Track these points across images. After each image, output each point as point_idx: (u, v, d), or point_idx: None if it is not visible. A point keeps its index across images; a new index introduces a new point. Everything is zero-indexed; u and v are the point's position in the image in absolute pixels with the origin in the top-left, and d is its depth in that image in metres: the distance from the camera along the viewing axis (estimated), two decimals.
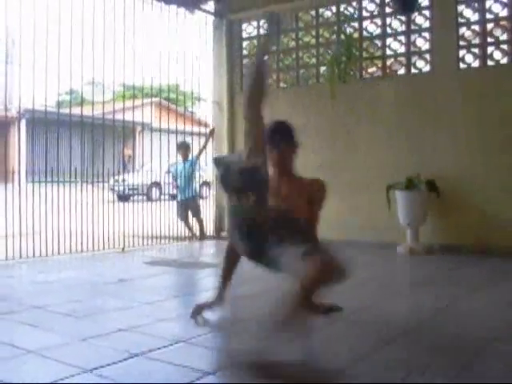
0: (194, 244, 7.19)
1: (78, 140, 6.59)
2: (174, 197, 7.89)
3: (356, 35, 6.87)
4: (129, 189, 12.21)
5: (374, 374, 2.22)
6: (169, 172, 7.94)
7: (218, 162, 2.70)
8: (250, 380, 2.10)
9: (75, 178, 6.44)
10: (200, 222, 7.56)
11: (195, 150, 7.74)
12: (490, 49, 6.04)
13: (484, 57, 6.04)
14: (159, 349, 2.51)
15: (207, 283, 4.34)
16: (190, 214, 7.55)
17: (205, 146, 7.68)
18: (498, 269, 4.98)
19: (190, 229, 7.52)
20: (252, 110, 2.59)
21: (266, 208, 2.56)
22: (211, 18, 7.81)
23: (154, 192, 12.28)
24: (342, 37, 6.89)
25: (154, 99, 11.16)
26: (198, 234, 7.51)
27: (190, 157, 7.65)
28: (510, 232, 5.70)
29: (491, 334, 2.77)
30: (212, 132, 7.76)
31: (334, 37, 7.05)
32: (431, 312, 3.29)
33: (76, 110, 6.61)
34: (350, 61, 6.76)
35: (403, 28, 6.53)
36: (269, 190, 2.69)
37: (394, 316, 2.52)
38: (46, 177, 6.00)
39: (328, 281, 2.35)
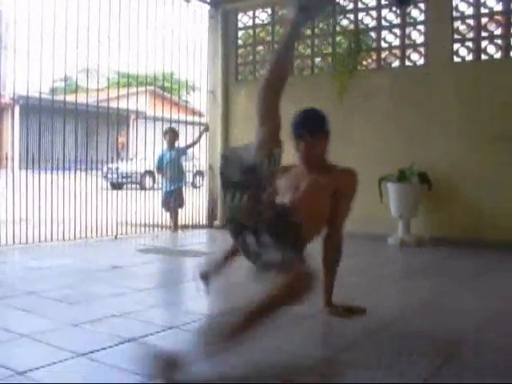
0: (187, 233, 7.21)
1: (72, 127, 6.60)
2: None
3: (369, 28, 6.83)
4: (122, 177, 12.20)
5: (357, 362, 2.26)
6: (158, 167, 7.63)
7: (224, 157, 2.54)
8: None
9: (69, 166, 6.45)
10: (176, 213, 7.37)
11: (188, 140, 7.70)
12: (484, 43, 6.08)
13: (478, 51, 6.07)
14: (151, 334, 2.54)
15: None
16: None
17: (196, 142, 7.62)
18: (487, 261, 5.04)
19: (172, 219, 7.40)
20: (272, 92, 2.53)
21: (258, 209, 2.39)
22: (207, 8, 7.80)
23: (148, 180, 12.30)
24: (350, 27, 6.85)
25: (148, 87, 11.13)
26: (172, 224, 7.34)
27: (176, 144, 7.51)
28: (501, 225, 5.76)
29: (478, 324, 2.83)
30: (206, 129, 7.73)
31: (338, 29, 7.06)
32: (418, 302, 3.33)
33: (70, 97, 6.61)
34: (359, 54, 6.70)
35: (398, 21, 6.56)
36: (286, 183, 2.68)
37: (379, 307, 2.56)
38: (39, 164, 6.00)
39: (293, 304, 2.27)
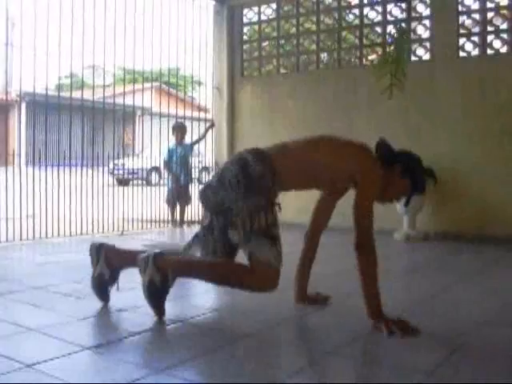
0: (193, 228, 7.24)
1: (79, 124, 6.62)
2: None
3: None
4: (128, 173, 12.24)
5: (360, 355, 2.28)
6: (166, 163, 7.60)
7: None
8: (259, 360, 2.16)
9: (75, 162, 6.48)
10: (183, 209, 7.42)
11: (194, 137, 7.72)
12: (489, 38, 6.07)
13: (484, 45, 6.06)
14: (158, 328, 2.56)
15: None
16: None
17: (202, 138, 7.64)
18: (492, 256, 5.04)
19: (173, 215, 7.41)
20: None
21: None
22: (212, 3, 7.81)
23: (154, 176, 12.34)
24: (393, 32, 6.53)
25: (154, 84, 11.15)
26: (178, 219, 7.37)
27: (185, 140, 7.52)
28: (506, 219, 5.76)
29: (482, 319, 2.83)
30: (211, 126, 7.74)
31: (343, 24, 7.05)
32: (422, 297, 3.35)
33: (76, 94, 6.63)
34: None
35: (404, 15, 6.55)
36: None
37: (383, 301, 2.57)
38: (46, 160, 6.03)
39: (249, 290, 2.60)
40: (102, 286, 2.91)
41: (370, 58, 6.98)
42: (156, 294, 2.61)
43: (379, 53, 6.74)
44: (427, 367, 2.09)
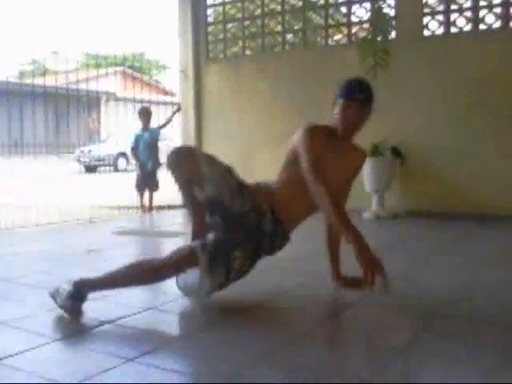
0: (162, 214, 7.19)
1: (42, 111, 6.49)
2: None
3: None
4: (95, 160, 12.08)
5: (333, 337, 2.29)
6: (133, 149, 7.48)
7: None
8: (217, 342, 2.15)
9: (40, 150, 6.36)
10: (151, 195, 7.36)
11: (160, 121, 7.64)
12: (453, 16, 6.11)
13: (448, 24, 6.10)
14: (129, 316, 2.54)
15: None
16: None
17: (168, 122, 7.57)
18: (461, 233, 5.12)
19: (142, 201, 7.35)
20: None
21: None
22: None
23: (121, 162, 12.20)
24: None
25: (118, 68, 10.98)
26: (147, 205, 7.33)
27: (151, 125, 7.43)
28: (473, 196, 5.85)
29: (453, 295, 2.87)
30: (178, 110, 7.67)
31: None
32: (392, 275, 3.37)
33: (39, 81, 6.49)
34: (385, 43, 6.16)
35: None
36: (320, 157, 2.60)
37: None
38: (9, 149, 5.91)
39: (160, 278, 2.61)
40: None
41: (335, 38, 6.96)
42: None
43: (359, 32, 6.72)
44: (398, 347, 2.11)
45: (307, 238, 3.34)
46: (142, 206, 7.32)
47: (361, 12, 6.56)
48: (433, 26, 6.18)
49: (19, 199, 5.81)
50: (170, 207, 7.51)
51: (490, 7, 5.98)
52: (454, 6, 6.10)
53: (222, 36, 7.61)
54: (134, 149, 7.39)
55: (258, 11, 7.33)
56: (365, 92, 2.81)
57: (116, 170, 10.36)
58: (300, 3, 7.10)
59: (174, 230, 5.71)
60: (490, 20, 5.96)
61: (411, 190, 6.21)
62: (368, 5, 6.52)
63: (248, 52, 7.48)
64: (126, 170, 8.34)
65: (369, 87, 2.85)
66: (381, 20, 5.73)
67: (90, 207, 6.52)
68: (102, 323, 2.43)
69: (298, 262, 3.67)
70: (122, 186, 7.13)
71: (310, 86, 6.73)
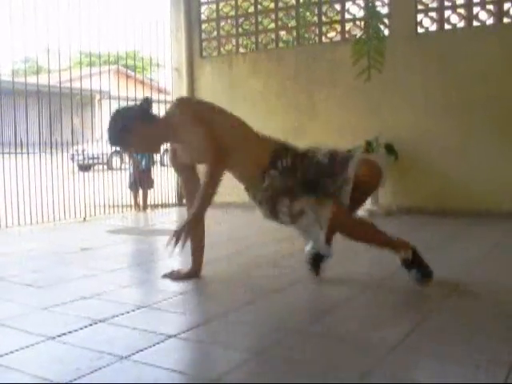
0: (156, 212, 7.18)
1: (35, 109, 6.45)
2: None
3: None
4: (89, 158, 12.02)
5: (326, 333, 2.29)
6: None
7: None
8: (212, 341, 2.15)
9: (33, 149, 6.32)
10: (146, 194, 7.40)
11: None
12: (447, 13, 6.12)
13: (441, 21, 6.11)
14: (122, 314, 2.53)
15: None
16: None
17: None
18: (454, 229, 5.13)
19: (136, 200, 7.38)
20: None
21: None
22: None
23: (115, 161, 12.15)
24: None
25: (112, 66, 10.94)
26: (141, 204, 7.35)
27: None
28: (466, 193, 5.87)
29: (446, 291, 2.88)
30: None
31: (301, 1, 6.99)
32: (387, 271, 3.38)
33: (32, 79, 6.45)
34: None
35: None
36: None
37: (347, 277, 2.59)
38: (2, 148, 5.88)
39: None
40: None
41: (328, 35, 6.96)
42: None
43: (353, 30, 6.70)
44: (391, 343, 2.11)
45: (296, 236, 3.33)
46: (137, 204, 7.32)
47: (354, 9, 6.57)
48: (426, 23, 6.19)
49: (12, 198, 5.78)
50: (163, 206, 7.50)
51: (484, 4, 5.98)
52: (447, 3, 6.10)
53: (215, 33, 7.59)
54: None
55: (252, 9, 7.32)
56: (115, 142, 3.12)
57: (110, 168, 10.30)
58: (293, 1, 7.08)
59: (168, 227, 5.70)
60: (484, 17, 5.97)
61: (405, 187, 6.22)
62: (361, 2, 6.52)
63: (241, 50, 7.46)
64: (119, 169, 8.30)
65: (112, 135, 3.04)
66: (374, 17, 5.66)
67: (83, 206, 6.49)
68: (95, 321, 2.42)
69: (290, 259, 3.67)
70: (116, 184, 7.11)
71: (304, 83, 6.73)
